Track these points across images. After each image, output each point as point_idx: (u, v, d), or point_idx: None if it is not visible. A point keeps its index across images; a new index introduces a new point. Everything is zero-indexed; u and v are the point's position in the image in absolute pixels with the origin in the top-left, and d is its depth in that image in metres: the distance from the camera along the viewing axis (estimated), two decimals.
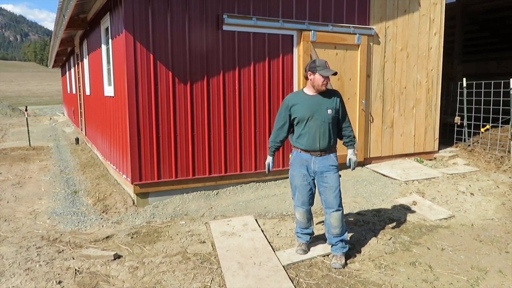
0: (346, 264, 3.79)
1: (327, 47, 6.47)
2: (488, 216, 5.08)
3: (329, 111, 3.72)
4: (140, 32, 5.26)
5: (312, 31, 6.26)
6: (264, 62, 6.06)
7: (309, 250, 4.03)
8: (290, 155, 4.00)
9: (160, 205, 5.44)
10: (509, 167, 6.72)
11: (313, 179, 3.86)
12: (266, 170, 4.03)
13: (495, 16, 13.55)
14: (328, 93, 3.79)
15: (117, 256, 3.90)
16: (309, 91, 3.79)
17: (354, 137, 4.05)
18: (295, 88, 6.34)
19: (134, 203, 5.52)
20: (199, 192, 5.77)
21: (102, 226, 4.87)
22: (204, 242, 4.32)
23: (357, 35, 6.65)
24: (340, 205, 3.82)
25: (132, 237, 4.47)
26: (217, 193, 5.82)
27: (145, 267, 3.72)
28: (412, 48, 7.30)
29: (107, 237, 4.47)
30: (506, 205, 5.38)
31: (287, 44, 6.23)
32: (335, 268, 3.73)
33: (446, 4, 7.66)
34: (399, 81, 7.24)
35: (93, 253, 3.90)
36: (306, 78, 3.78)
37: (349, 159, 4.03)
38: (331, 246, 3.89)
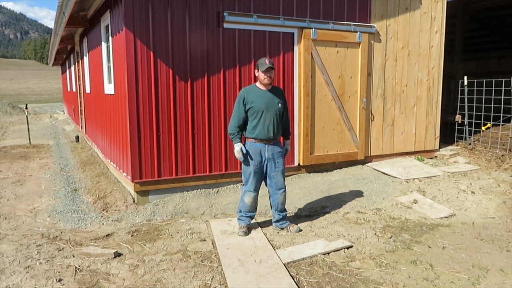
0: (301, 229, 4.52)
1: (328, 45, 6.45)
2: (489, 214, 5.07)
3: (280, 105, 4.36)
4: (140, 29, 5.24)
5: (313, 29, 6.24)
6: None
7: (249, 232, 4.44)
8: (241, 147, 4.35)
9: (160, 203, 5.43)
10: (510, 166, 6.71)
11: (264, 166, 4.38)
12: (241, 157, 4.32)
13: (495, 14, 13.52)
14: (276, 89, 4.46)
15: (117, 254, 3.89)
16: (261, 86, 4.35)
17: (290, 129, 4.74)
18: (296, 87, 6.33)
19: (134, 201, 5.51)
20: (199, 190, 5.76)
21: (102, 224, 4.86)
22: (204, 240, 4.31)
23: (358, 33, 6.63)
24: (285, 185, 4.51)
25: (132, 235, 4.46)
26: (217, 191, 5.81)
27: (145, 265, 3.72)
28: (413, 46, 7.28)
29: (108, 235, 4.46)
30: (507, 204, 5.37)
31: (288, 42, 6.21)
32: (297, 232, 4.44)
33: (447, 2, 7.63)
34: (400, 79, 7.22)
35: (94, 251, 3.90)
36: (256, 75, 4.38)
37: (286, 149, 4.63)
38: (279, 222, 4.54)
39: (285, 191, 4.48)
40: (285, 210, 4.56)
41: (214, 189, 5.85)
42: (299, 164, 6.46)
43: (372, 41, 6.86)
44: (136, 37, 5.24)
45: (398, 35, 7.11)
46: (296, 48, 6.27)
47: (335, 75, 6.57)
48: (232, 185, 5.95)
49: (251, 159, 4.32)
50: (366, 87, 6.85)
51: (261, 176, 4.43)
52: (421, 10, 7.26)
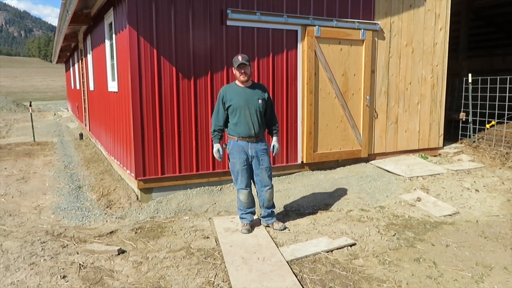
0: (286, 227, 4.53)
1: (331, 43, 6.43)
2: (493, 212, 5.05)
3: (260, 101, 4.32)
4: (144, 27, 5.24)
5: (317, 26, 6.22)
6: (268, 58, 6.04)
7: (253, 229, 4.45)
8: (225, 146, 4.46)
9: (163, 200, 5.45)
10: None
11: (250, 163, 4.39)
12: (217, 157, 4.37)
13: (500, 11, 13.42)
14: (257, 86, 4.44)
15: (121, 251, 3.91)
16: (240, 83, 4.35)
17: (278, 126, 4.64)
18: (300, 84, 6.31)
19: (138, 198, 5.52)
20: (202, 187, 5.77)
21: (106, 221, 4.89)
22: (207, 237, 4.33)
23: (362, 30, 6.60)
24: (271, 182, 4.50)
25: (136, 232, 4.47)
26: (220, 189, 5.82)
27: (149, 262, 3.73)
28: (417, 44, 7.24)
29: (111, 232, 4.48)
30: (511, 202, 5.35)
31: (291, 39, 6.20)
32: (281, 230, 4.45)
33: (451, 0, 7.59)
34: (404, 76, 7.19)
35: (97, 248, 3.92)
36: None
37: (273, 146, 4.57)
38: (265, 218, 4.56)
39: (270, 188, 4.47)
40: (272, 206, 4.58)
41: (218, 186, 5.86)
42: (302, 162, 6.46)
43: (376, 39, 6.83)
44: (140, 34, 5.24)
45: (402, 32, 7.07)
46: (299, 46, 6.25)
47: (339, 73, 6.55)
48: None
49: (235, 158, 4.33)
50: (369, 85, 6.83)
51: (250, 172, 4.43)
52: (425, 7, 7.23)
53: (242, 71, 4.23)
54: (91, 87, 9.73)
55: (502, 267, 3.66)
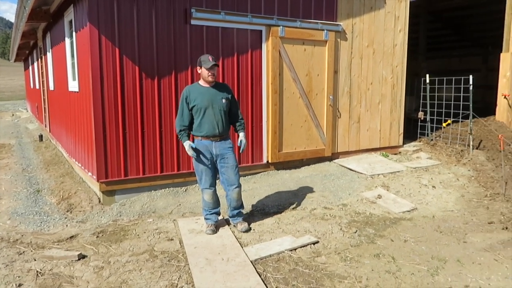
0: (250, 228, 4.52)
1: (295, 43, 6.51)
2: (448, 207, 5.29)
3: (224, 101, 4.34)
4: (105, 25, 5.12)
5: (281, 27, 6.28)
6: (233, 58, 6.04)
7: (217, 230, 4.44)
8: (187, 147, 4.34)
9: (127, 203, 5.35)
10: (469, 161, 7.01)
11: (215, 163, 4.40)
12: (192, 153, 4.27)
13: (457, 14, 14.02)
14: (221, 86, 4.46)
15: (81, 256, 3.81)
16: (203, 83, 4.35)
17: (244, 123, 4.64)
18: (264, 84, 6.36)
19: (100, 201, 5.40)
20: (167, 189, 5.71)
21: (66, 225, 4.75)
22: (172, 239, 4.29)
23: (325, 31, 6.73)
24: (239, 181, 4.49)
25: (97, 236, 4.37)
26: (186, 190, 5.78)
27: (110, 267, 3.66)
28: (378, 45, 7.46)
29: (71, 236, 4.36)
30: (465, 197, 5.62)
31: (256, 39, 6.23)
32: (244, 232, 4.43)
33: (410, 2, 7.85)
34: (365, 77, 7.39)
35: (56, 254, 3.80)
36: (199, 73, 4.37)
37: (240, 141, 4.53)
38: (232, 218, 4.57)
39: (237, 187, 4.45)
40: (240, 207, 4.57)
41: (183, 187, 5.81)
42: (267, 161, 6.51)
43: (339, 39, 6.98)
44: (101, 33, 5.12)
45: (363, 33, 7.26)
46: (264, 46, 6.30)
47: (303, 73, 6.65)
48: None
49: (200, 157, 4.33)
50: (332, 85, 6.97)
51: (214, 172, 4.43)
52: (386, 9, 7.45)
53: (212, 72, 4.25)
54: (51, 87, 9.39)
55: (456, 260, 3.84)
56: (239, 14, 5.96)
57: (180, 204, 5.35)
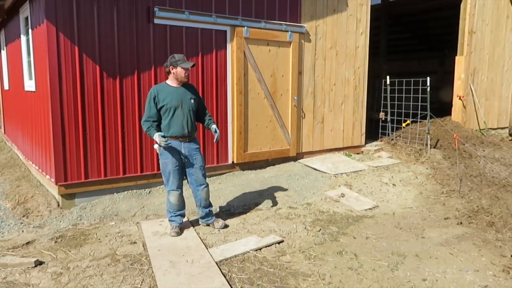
0: (227, 224, 4.58)
1: (260, 44, 6.54)
2: (407, 205, 5.48)
3: (192, 101, 4.34)
4: (63, 22, 4.95)
5: (245, 27, 6.29)
6: (197, 58, 5.99)
7: (182, 232, 4.40)
8: (156, 147, 4.31)
9: (88, 206, 5.18)
10: (427, 159, 7.30)
11: (183, 164, 4.37)
12: (163, 143, 4.09)
13: (416, 18, 14.57)
14: (188, 86, 4.41)
15: (38, 263, 3.66)
16: (173, 83, 4.31)
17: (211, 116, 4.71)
18: (229, 85, 6.35)
19: (59, 205, 5.20)
20: (130, 191, 5.58)
21: (22, 231, 4.54)
22: (135, 242, 4.20)
23: (289, 32, 6.80)
24: (206, 181, 4.54)
25: (56, 242, 4.21)
26: (149, 192, 5.67)
27: (70, 273, 3.54)
28: (341, 47, 7.62)
29: (28, 242, 4.17)
30: (423, 194, 5.85)
31: (221, 39, 6.21)
32: (222, 228, 4.50)
33: (371, 5, 8.08)
34: (329, 78, 7.53)
35: (11, 261, 3.63)
36: (168, 73, 4.30)
37: (215, 130, 4.52)
38: (204, 219, 4.58)
39: (206, 186, 4.49)
40: (209, 206, 4.59)
41: (146, 189, 5.70)
42: (233, 162, 6.50)
43: (303, 41, 7.07)
44: (59, 30, 4.94)
45: (326, 35, 7.40)
46: (228, 46, 6.28)
47: (268, 74, 6.69)
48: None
49: (168, 158, 4.27)
50: (297, 86, 7.05)
51: (181, 173, 4.40)
52: (348, 12, 7.62)
53: (189, 72, 4.30)
54: (6, 86, 8.97)
55: (414, 255, 3.99)
56: (203, 14, 5.92)
57: (143, 207, 5.25)
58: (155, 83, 5.66)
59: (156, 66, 5.64)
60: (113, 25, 5.28)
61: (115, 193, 5.47)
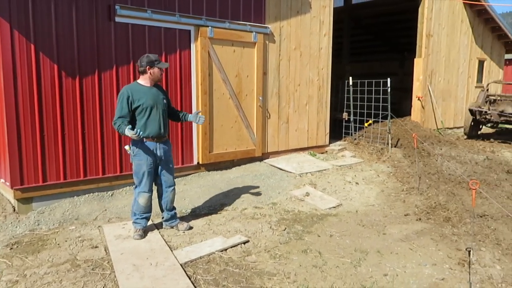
0: (191, 226, 4.55)
1: (224, 44, 6.53)
2: (370, 202, 5.63)
3: (165, 101, 4.34)
4: (18, 19, 4.73)
5: (210, 27, 6.26)
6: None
7: (146, 235, 4.30)
8: (126, 147, 4.25)
9: (46, 210, 4.98)
10: (388, 158, 7.53)
11: (157, 165, 4.32)
12: (135, 136, 3.94)
13: (377, 21, 15.01)
14: (157, 86, 4.36)
15: None
16: (146, 83, 4.24)
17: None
18: (194, 85, 6.29)
19: (15, 210, 4.96)
20: (92, 194, 5.41)
21: None
22: (96, 247, 4.08)
23: (254, 33, 6.82)
24: (174, 182, 4.54)
25: (11, 248, 4.02)
26: (112, 194, 5.53)
27: (26, 280, 3.39)
28: (305, 48, 7.73)
29: None
30: (385, 192, 6.03)
31: (185, 39, 6.14)
32: (188, 230, 4.46)
33: (334, 8, 8.25)
34: (293, 78, 7.62)
35: None
36: (143, 72, 4.21)
37: (196, 113, 4.54)
38: (169, 221, 4.51)
39: (174, 188, 4.49)
40: (174, 208, 4.57)
41: (109, 192, 5.55)
42: (198, 163, 6.45)
43: (267, 42, 7.12)
44: (13, 27, 4.72)
45: (291, 36, 7.48)
46: (193, 46, 6.23)
47: (233, 74, 6.69)
48: (128, 187, 5.70)
49: (142, 160, 4.19)
50: (262, 86, 7.09)
51: (154, 175, 4.35)
52: (311, 14, 7.74)
53: (162, 73, 4.32)
54: None
55: (376, 251, 4.10)
56: (166, 13, 5.84)
57: (106, 210, 5.11)
58: (117, 83, 5.53)
59: (118, 65, 5.51)
60: (72, 22, 5.10)
61: (75, 196, 5.29)
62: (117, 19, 5.45)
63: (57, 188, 5.17)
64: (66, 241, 4.20)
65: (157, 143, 4.26)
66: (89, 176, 5.40)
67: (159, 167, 4.36)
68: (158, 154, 4.28)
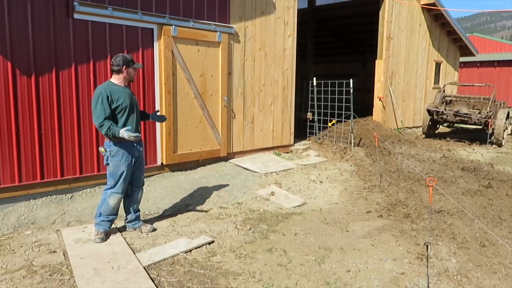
0: (155, 228, 4.48)
1: (189, 43, 6.45)
2: (333, 200, 5.74)
3: (137, 101, 4.36)
4: None
5: (173, 26, 6.17)
6: None
7: (107, 238, 4.20)
8: (101, 149, 4.12)
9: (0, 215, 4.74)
10: (351, 157, 7.70)
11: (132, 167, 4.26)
12: (133, 137, 3.89)
13: (339, 23, 15.34)
14: (127, 86, 4.31)
15: None
16: (120, 83, 4.16)
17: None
18: (157, 84, 6.18)
19: None
20: (49, 197, 5.20)
21: None
22: (54, 251, 3.92)
23: (218, 32, 6.79)
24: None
25: None
26: (71, 197, 5.33)
27: None
28: (270, 48, 7.78)
29: None
30: (348, 190, 6.16)
31: (147, 38, 6.02)
32: (151, 232, 4.39)
33: (298, 9, 8.35)
34: (258, 79, 7.65)
35: None
36: (118, 72, 4.11)
37: (158, 112, 4.75)
38: (132, 222, 4.43)
39: (143, 189, 4.50)
40: (138, 210, 4.51)
41: (68, 194, 5.35)
42: (162, 164, 6.34)
43: (232, 41, 7.10)
44: None
45: (255, 37, 7.50)
46: (156, 45, 6.12)
47: (197, 74, 6.62)
48: (88, 189, 5.53)
49: (121, 160, 4.10)
50: (227, 86, 7.07)
51: (130, 176, 4.26)
52: (276, 14, 7.80)
53: (135, 73, 4.31)
54: None
55: (339, 248, 4.18)
56: (128, 10, 5.70)
57: (64, 213, 4.92)
58: (76, 82, 5.35)
59: (77, 64, 5.33)
60: (27, 19, 4.88)
61: (31, 200, 5.07)
62: (76, 16, 5.27)
63: (11, 192, 4.93)
64: (21, 246, 4.02)
65: (135, 144, 4.19)
66: (46, 179, 5.19)
67: (134, 167, 4.29)
68: (136, 154, 4.24)
